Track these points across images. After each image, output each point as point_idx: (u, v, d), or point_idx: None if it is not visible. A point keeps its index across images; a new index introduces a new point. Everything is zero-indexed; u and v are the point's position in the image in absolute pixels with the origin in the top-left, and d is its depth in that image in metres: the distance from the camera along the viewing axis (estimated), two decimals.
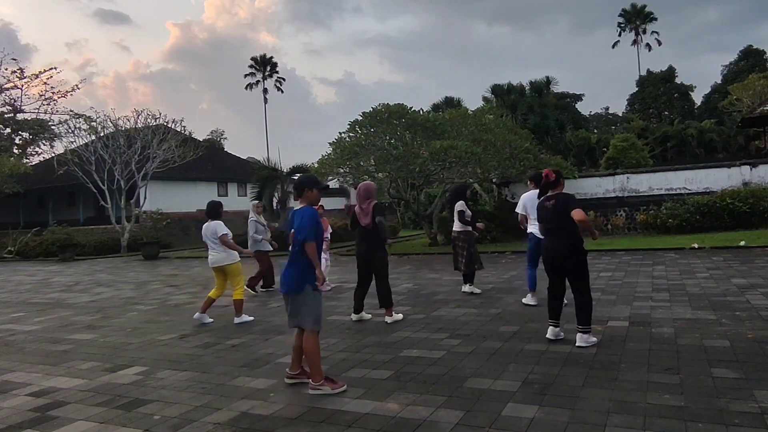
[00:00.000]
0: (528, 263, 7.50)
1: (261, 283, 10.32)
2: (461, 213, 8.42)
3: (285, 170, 24.75)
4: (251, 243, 10.05)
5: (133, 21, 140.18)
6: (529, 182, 7.70)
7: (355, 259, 7.36)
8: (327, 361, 5.21)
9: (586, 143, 35.81)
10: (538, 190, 5.85)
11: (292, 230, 4.52)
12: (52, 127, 34.21)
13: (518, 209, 7.60)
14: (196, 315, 7.62)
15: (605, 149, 30.95)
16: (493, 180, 20.15)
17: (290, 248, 4.58)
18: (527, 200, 7.28)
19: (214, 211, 7.57)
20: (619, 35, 64.17)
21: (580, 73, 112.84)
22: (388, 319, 6.85)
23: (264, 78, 67.87)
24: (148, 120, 27.10)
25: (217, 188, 32.20)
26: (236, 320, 7.43)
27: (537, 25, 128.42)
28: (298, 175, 25.89)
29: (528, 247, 7.49)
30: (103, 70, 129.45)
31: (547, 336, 5.52)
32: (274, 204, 25.59)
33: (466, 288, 8.71)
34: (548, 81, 38.31)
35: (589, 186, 18.85)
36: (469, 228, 8.51)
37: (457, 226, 8.59)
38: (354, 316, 7.08)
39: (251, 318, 7.55)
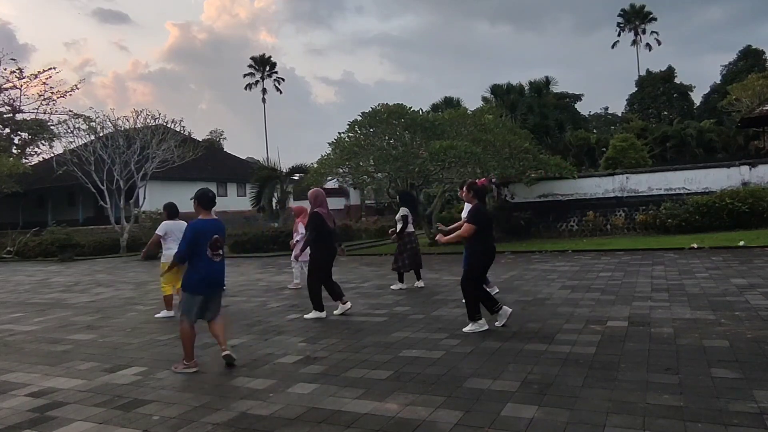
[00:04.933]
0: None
1: None
2: (405, 218, 9.34)
3: (284, 170, 24.77)
4: None
5: (133, 20, 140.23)
6: (463, 191, 6.77)
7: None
8: (326, 361, 5.22)
9: (585, 143, 35.80)
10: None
11: (215, 236, 5.21)
12: (51, 127, 34.22)
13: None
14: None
15: (604, 149, 30.94)
16: (493, 180, 20.17)
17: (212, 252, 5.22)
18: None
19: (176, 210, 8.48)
20: (619, 35, 64.36)
21: (580, 73, 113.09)
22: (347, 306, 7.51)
23: (263, 78, 67.90)
24: (148, 120, 27.12)
25: (217, 188, 32.16)
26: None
27: (540, 25, 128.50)
28: (298, 175, 26.01)
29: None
30: (102, 69, 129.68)
31: (504, 322, 6.06)
32: (274, 204, 25.62)
33: (399, 286, 9.49)
34: (548, 81, 38.34)
35: (588, 186, 18.85)
36: (411, 230, 9.46)
37: (409, 228, 9.40)
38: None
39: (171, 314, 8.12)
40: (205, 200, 5.28)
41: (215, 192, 5.72)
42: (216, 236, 5.21)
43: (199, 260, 5.14)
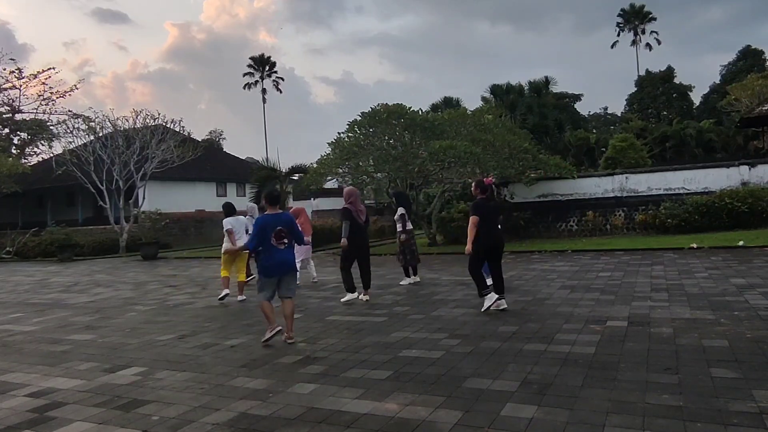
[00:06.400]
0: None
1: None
2: (403, 216, 10.04)
3: (284, 170, 24.71)
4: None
5: (132, 20, 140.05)
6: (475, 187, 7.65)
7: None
8: (326, 361, 5.21)
9: (585, 143, 35.79)
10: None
11: (278, 227, 6.01)
12: (51, 127, 34.16)
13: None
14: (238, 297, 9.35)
15: (604, 149, 30.94)
16: (492, 180, 20.17)
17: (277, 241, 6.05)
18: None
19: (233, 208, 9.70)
20: (618, 35, 64.41)
21: (580, 73, 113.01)
22: (365, 298, 8.37)
23: (262, 78, 67.84)
24: (147, 120, 27.11)
25: (216, 188, 32.14)
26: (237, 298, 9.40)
27: (540, 25, 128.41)
28: (298, 175, 25.97)
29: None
30: (101, 69, 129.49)
31: (503, 306, 6.94)
32: None
33: (408, 281, 10.05)
34: (547, 81, 38.41)
35: (587, 186, 18.85)
36: (410, 227, 10.20)
37: (408, 226, 10.06)
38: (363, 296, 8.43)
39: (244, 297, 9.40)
40: (269, 198, 6.28)
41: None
42: (279, 227, 6.02)
43: (267, 248, 6.02)
